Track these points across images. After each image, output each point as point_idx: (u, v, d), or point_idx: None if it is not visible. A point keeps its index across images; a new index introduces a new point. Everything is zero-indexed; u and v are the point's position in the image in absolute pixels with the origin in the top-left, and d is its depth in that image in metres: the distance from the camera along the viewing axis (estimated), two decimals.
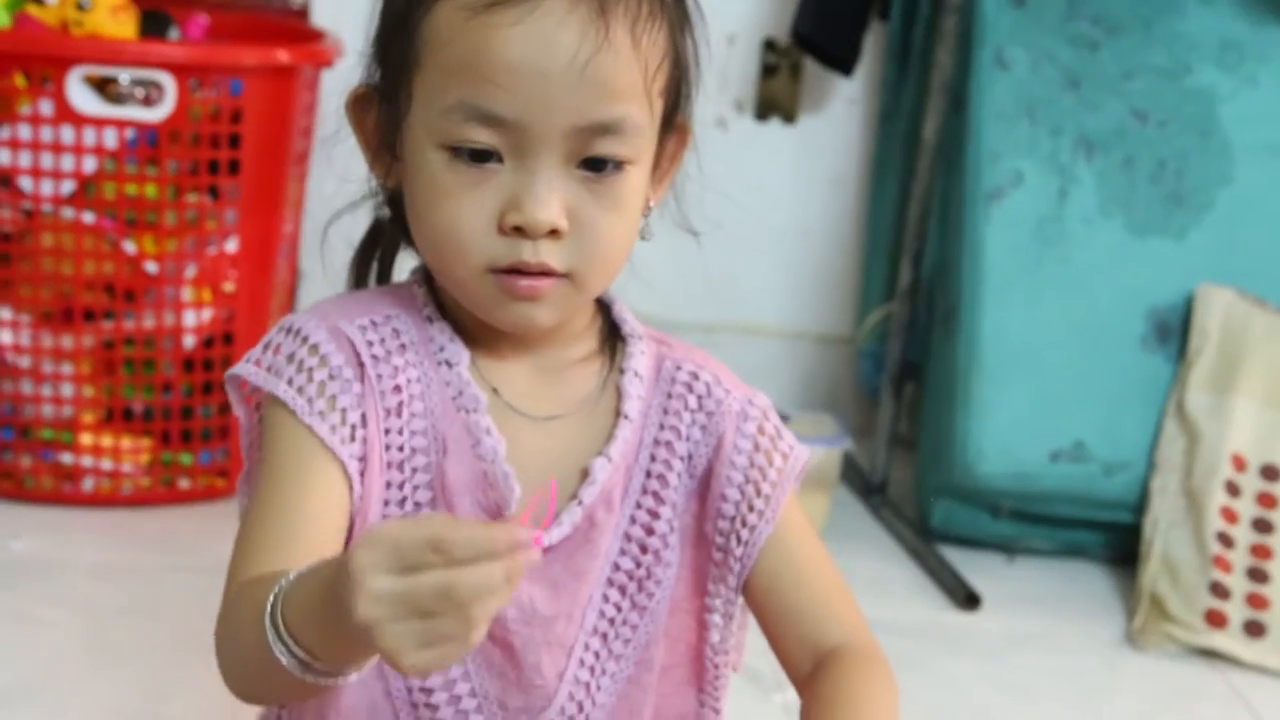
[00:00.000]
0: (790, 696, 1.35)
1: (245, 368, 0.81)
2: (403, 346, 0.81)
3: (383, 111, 0.82)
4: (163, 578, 1.60)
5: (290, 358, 0.80)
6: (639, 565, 0.85)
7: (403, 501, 0.81)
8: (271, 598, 0.68)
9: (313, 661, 0.68)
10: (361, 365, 0.80)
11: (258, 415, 0.83)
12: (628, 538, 0.85)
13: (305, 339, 0.80)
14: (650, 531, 0.85)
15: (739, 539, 0.85)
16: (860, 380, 2.23)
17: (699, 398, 0.86)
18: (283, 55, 1.73)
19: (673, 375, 0.87)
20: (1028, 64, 1.83)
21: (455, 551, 0.61)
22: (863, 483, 2.07)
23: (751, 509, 0.85)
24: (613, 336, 0.87)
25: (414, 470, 0.81)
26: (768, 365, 2.26)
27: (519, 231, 0.76)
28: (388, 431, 0.80)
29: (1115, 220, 1.81)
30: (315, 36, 1.85)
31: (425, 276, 0.85)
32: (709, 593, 0.87)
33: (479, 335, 0.83)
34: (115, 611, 1.52)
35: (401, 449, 0.81)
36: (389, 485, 0.81)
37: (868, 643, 0.86)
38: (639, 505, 0.85)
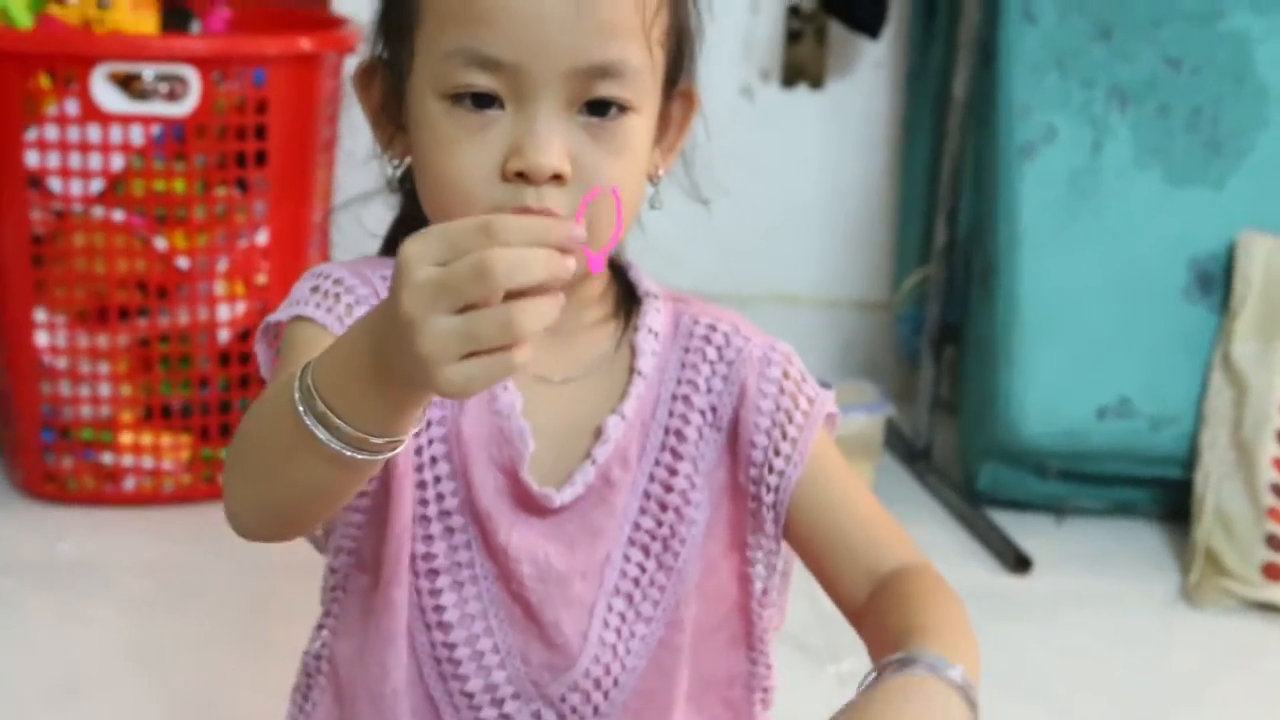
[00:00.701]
0: (845, 667, 1.44)
1: (272, 315, 0.81)
2: None
3: (387, 80, 0.82)
4: (206, 574, 1.60)
5: (314, 289, 0.80)
6: (660, 524, 0.84)
7: (419, 450, 0.81)
8: (299, 370, 0.67)
9: (346, 426, 0.66)
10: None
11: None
12: (647, 495, 0.84)
13: (327, 275, 0.81)
14: (669, 489, 0.84)
15: (769, 486, 0.84)
16: (899, 345, 2.23)
17: (718, 348, 0.86)
18: (305, 43, 1.73)
19: (690, 330, 0.87)
20: (1056, 14, 1.81)
21: (501, 234, 0.61)
22: (906, 449, 2.07)
23: (778, 453, 0.84)
24: (629, 300, 0.87)
25: (430, 423, 0.81)
26: (805, 334, 2.25)
27: (522, 177, 0.76)
28: None
29: (1152, 171, 1.80)
30: (336, 23, 1.86)
31: None
32: (748, 545, 0.87)
33: None
34: (161, 608, 1.53)
35: None
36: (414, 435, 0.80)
37: (925, 563, 0.85)
38: (657, 463, 0.84)
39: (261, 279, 1.79)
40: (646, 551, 0.84)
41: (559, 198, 0.76)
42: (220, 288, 1.76)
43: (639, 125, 0.79)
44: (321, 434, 0.66)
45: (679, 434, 0.84)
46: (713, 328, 0.87)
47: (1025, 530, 1.81)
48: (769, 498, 0.85)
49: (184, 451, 1.79)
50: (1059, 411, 1.77)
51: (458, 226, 0.62)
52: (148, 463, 1.78)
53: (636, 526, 0.84)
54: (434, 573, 0.82)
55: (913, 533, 1.93)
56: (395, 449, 0.68)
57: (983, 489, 1.89)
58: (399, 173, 0.84)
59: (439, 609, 0.82)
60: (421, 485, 0.82)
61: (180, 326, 1.74)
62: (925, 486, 1.99)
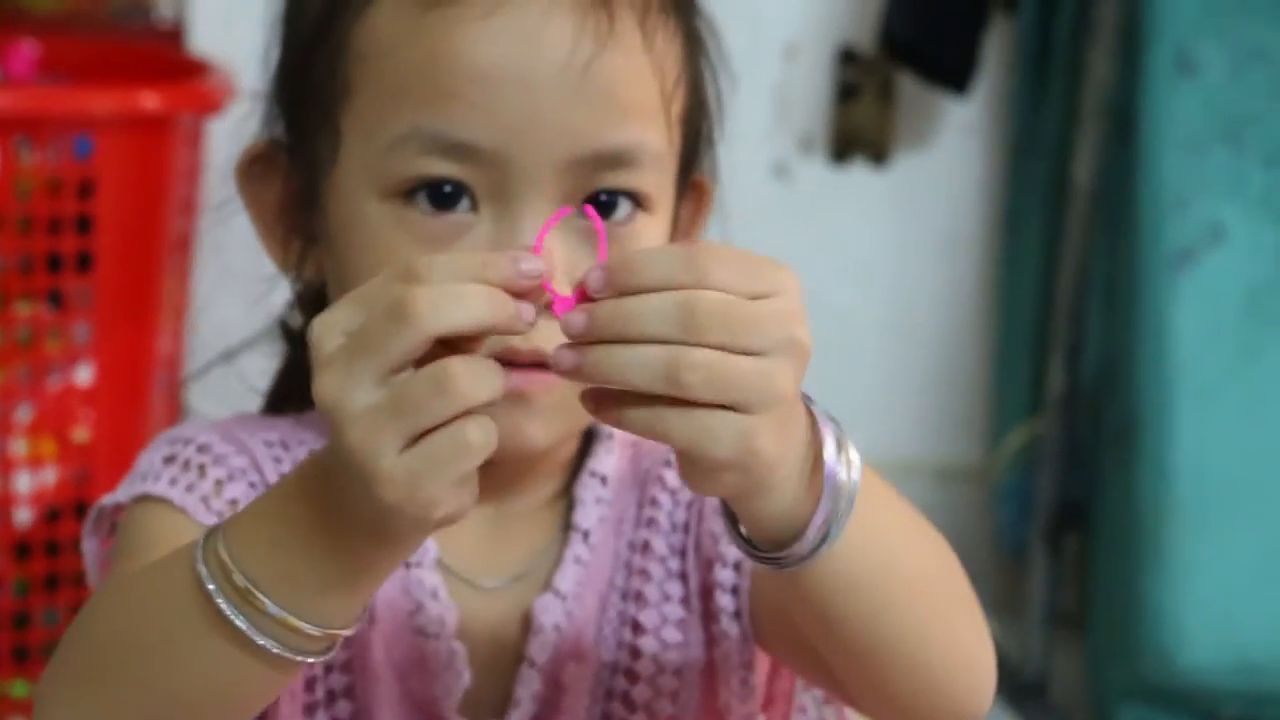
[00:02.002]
0: None
1: (110, 496, 0.83)
2: None
3: (290, 174, 0.85)
4: None
5: (169, 459, 0.82)
6: (634, 683, 0.86)
7: (310, 683, 0.83)
8: (202, 538, 0.69)
9: (276, 608, 0.68)
10: (267, 484, 0.82)
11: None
12: (610, 695, 0.86)
13: (190, 440, 0.83)
14: (634, 679, 0.86)
15: (722, 587, 0.85)
16: (999, 531, 2.23)
17: (676, 473, 0.88)
18: (149, 98, 1.73)
19: (647, 468, 0.89)
20: (1226, 66, 1.84)
21: (424, 273, 0.64)
22: (1011, 682, 2.04)
23: (726, 563, 0.85)
24: (581, 453, 0.89)
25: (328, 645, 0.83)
26: None
27: None
28: None
29: None
30: (194, 69, 1.85)
31: None
32: (726, 682, 0.87)
33: None
34: None
35: None
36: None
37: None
38: (620, 644, 0.87)
39: (81, 435, 1.76)
40: None
41: (552, 330, 0.76)
42: (20, 447, 1.73)
43: (652, 228, 0.82)
44: (241, 622, 0.68)
45: (639, 598, 0.87)
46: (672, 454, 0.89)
47: None
48: (726, 603, 0.84)
49: None
50: (1234, 630, 1.79)
51: (373, 281, 0.65)
52: None
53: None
54: None
55: None
56: (333, 644, 0.70)
57: None
58: (303, 293, 0.88)
59: None
60: None
61: None
62: None
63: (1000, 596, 2.16)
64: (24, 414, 1.73)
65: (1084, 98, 1.95)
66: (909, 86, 2.19)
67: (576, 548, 0.86)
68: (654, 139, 0.80)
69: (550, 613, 0.85)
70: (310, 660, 0.69)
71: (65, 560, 1.74)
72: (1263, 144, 1.83)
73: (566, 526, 0.87)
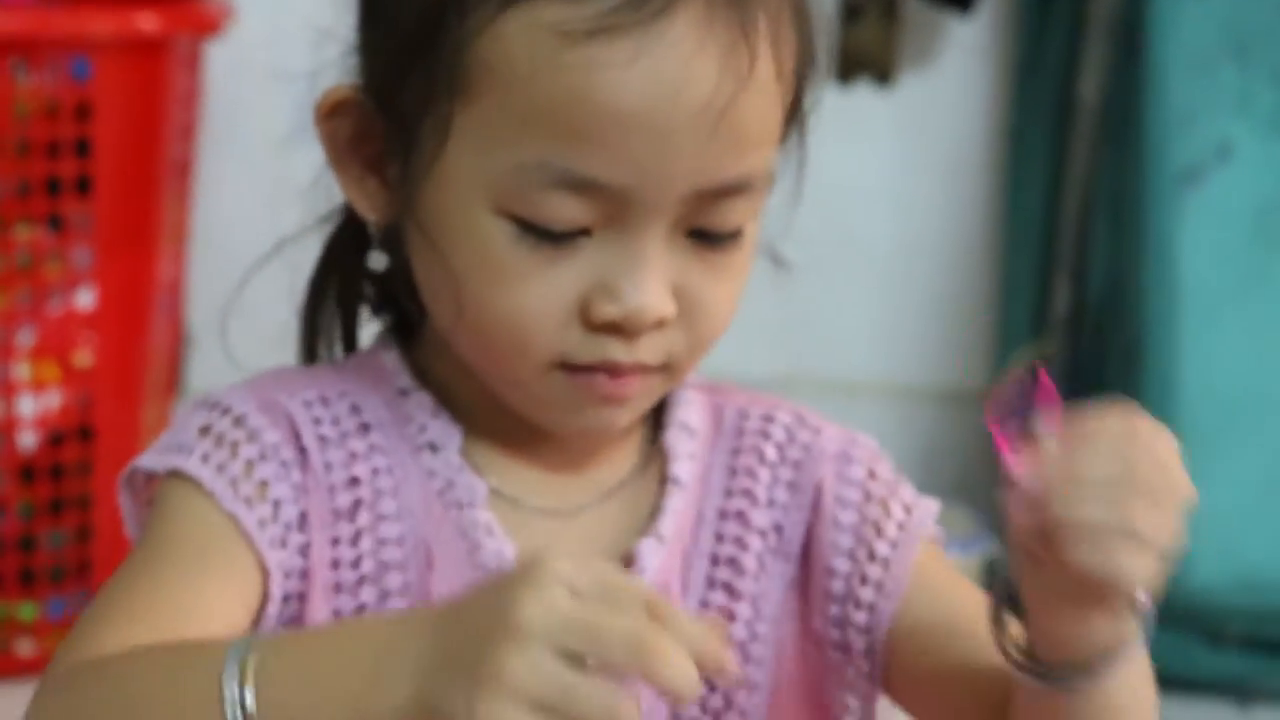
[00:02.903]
0: None
1: (141, 458, 0.83)
2: (364, 427, 0.84)
3: (377, 126, 0.83)
4: None
5: (204, 430, 0.82)
6: (712, 689, 0.86)
7: None
8: (231, 658, 0.69)
9: None
10: (304, 450, 0.82)
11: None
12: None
13: (227, 410, 0.83)
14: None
15: (856, 627, 0.87)
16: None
17: (779, 446, 0.89)
18: (146, 20, 1.72)
19: (738, 425, 0.90)
20: None
21: (664, 623, 0.65)
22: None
23: (865, 580, 0.86)
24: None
25: (384, 594, 0.83)
26: (870, 435, 2.24)
27: (611, 327, 0.78)
28: (336, 542, 0.83)
29: None
30: None
31: (399, 339, 0.88)
32: (833, 705, 0.89)
33: (474, 410, 0.85)
34: None
35: (358, 565, 0.83)
36: (337, 615, 0.83)
37: None
38: (705, 604, 0.87)
39: (83, 360, 1.77)
40: None
41: (655, 346, 0.79)
42: (22, 371, 1.75)
43: (753, 232, 0.82)
44: None
45: (734, 564, 0.87)
46: (769, 419, 0.89)
47: None
48: (859, 642, 0.86)
49: None
50: (1241, 551, 1.79)
51: (621, 583, 0.66)
52: None
53: None
54: None
55: None
56: None
57: None
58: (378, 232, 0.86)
59: None
60: None
61: None
62: None
63: (1004, 519, 2.19)
64: (26, 338, 1.74)
65: (1090, 15, 1.93)
66: (913, 6, 2.18)
67: (675, 498, 0.86)
68: (769, 158, 0.80)
69: (652, 555, 0.85)
70: None
71: (69, 484, 1.77)
72: (1271, 60, 1.82)
73: (662, 478, 0.87)
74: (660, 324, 0.79)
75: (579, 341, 0.79)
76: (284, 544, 0.80)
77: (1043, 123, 2.13)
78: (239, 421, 0.82)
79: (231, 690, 0.68)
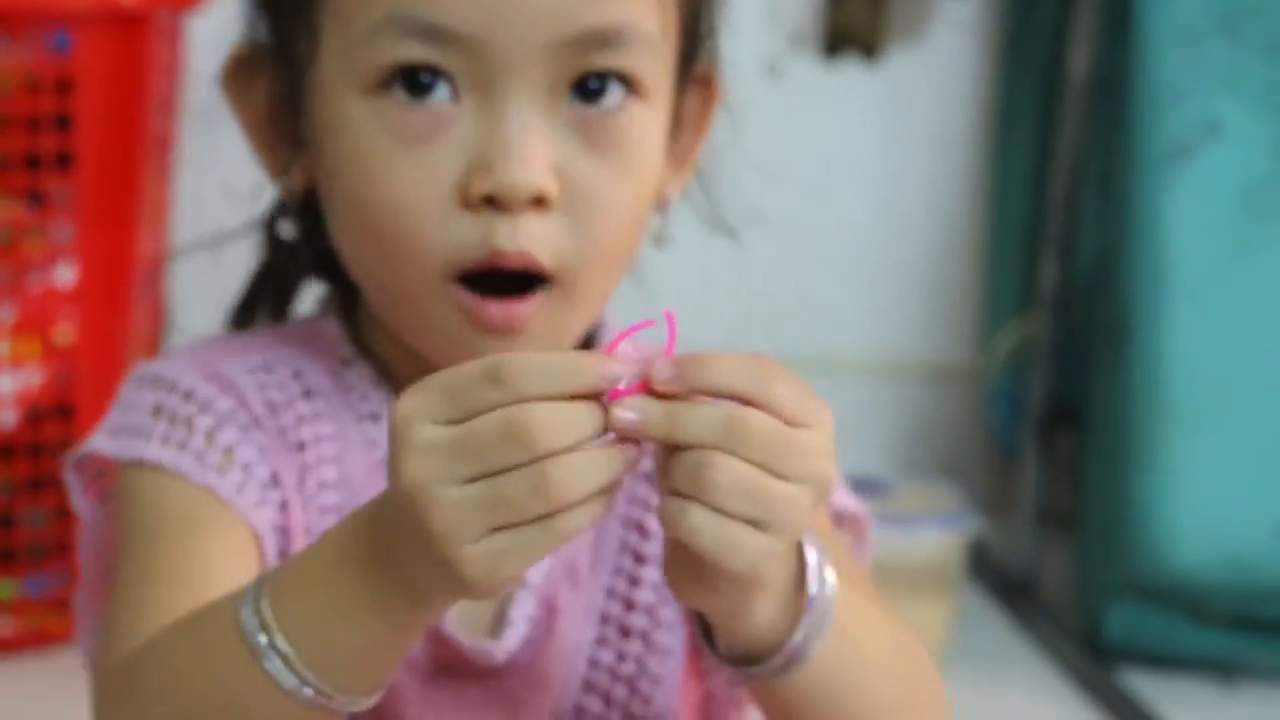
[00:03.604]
0: None
1: (94, 440, 0.83)
2: (307, 393, 0.85)
3: (276, 76, 0.84)
4: None
5: (157, 411, 0.82)
6: (623, 658, 0.86)
7: None
8: (250, 591, 0.71)
9: (316, 677, 0.70)
10: (256, 418, 0.83)
11: (109, 504, 0.86)
12: (604, 619, 0.87)
13: (173, 385, 0.83)
14: (631, 606, 0.87)
15: None
16: (991, 430, 2.22)
17: None
18: None
19: None
20: None
21: (522, 385, 0.65)
22: (1001, 580, 2.06)
23: None
24: None
25: None
26: (854, 413, 2.26)
27: (490, 203, 0.77)
28: (299, 470, 0.84)
29: None
30: None
31: (340, 306, 0.88)
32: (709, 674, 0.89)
33: (414, 378, 0.84)
34: None
35: (308, 532, 0.84)
36: None
37: None
38: (618, 571, 0.87)
39: (64, 336, 1.77)
40: (607, 699, 0.86)
41: (542, 233, 0.78)
42: (2, 348, 1.74)
43: (648, 120, 0.80)
44: (289, 681, 0.70)
45: (640, 528, 0.87)
46: None
47: (1177, 700, 1.80)
48: None
49: None
50: (1225, 528, 1.77)
51: (458, 376, 0.66)
52: None
53: (594, 664, 0.87)
54: None
55: (1010, 701, 1.93)
56: (377, 693, 0.73)
57: (1113, 639, 1.87)
58: (290, 201, 0.87)
59: None
60: None
61: None
62: (1028, 634, 1.97)
63: (991, 495, 2.19)
64: (5, 314, 1.74)
65: None
66: None
67: None
68: (645, 18, 0.78)
69: None
70: (357, 703, 0.72)
71: (49, 463, 1.76)
72: (1262, 35, 1.80)
73: None
74: (541, 202, 0.77)
75: (462, 230, 0.78)
76: (264, 503, 0.81)
77: (1031, 99, 2.13)
78: (188, 396, 0.82)
79: (259, 640, 0.70)
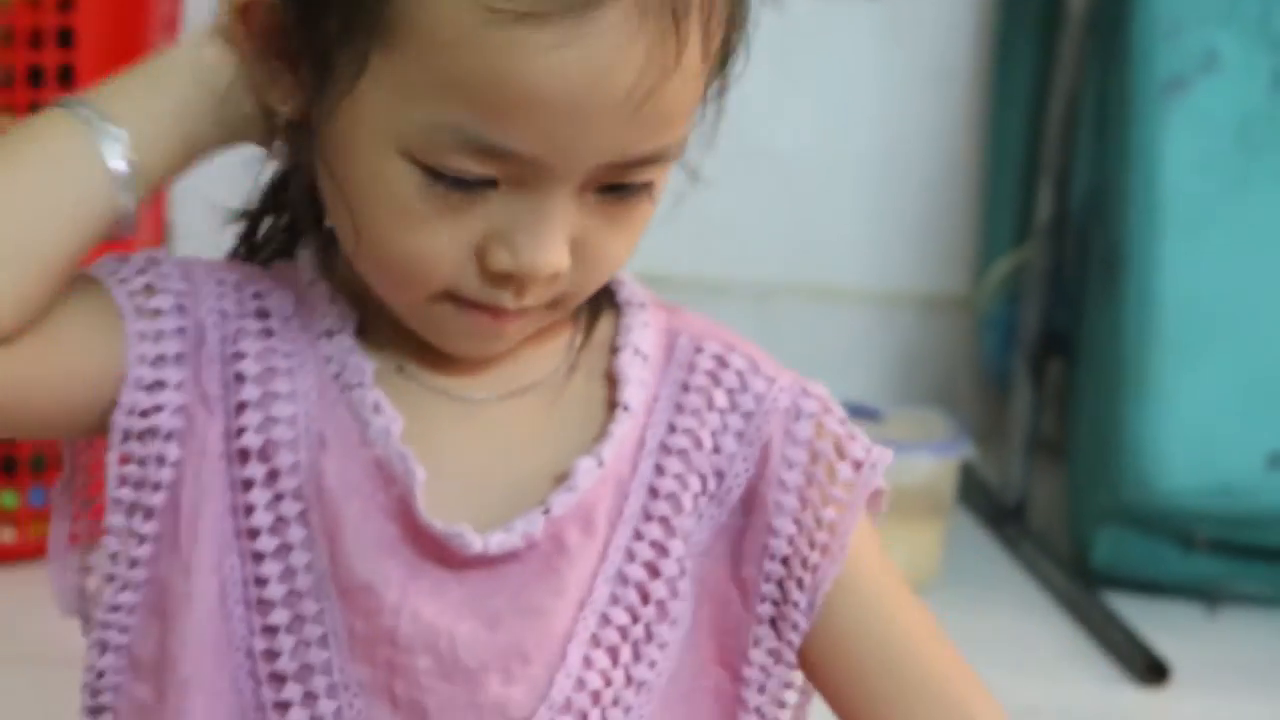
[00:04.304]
0: None
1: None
2: (263, 313, 0.86)
3: (296, 29, 0.82)
4: None
5: (122, 258, 0.85)
6: (636, 619, 0.86)
7: (248, 508, 0.84)
8: (82, 123, 0.81)
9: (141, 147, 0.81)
10: (200, 324, 0.85)
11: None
12: (623, 579, 0.86)
13: (152, 257, 0.86)
14: (655, 573, 0.86)
15: (800, 583, 0.87)
16: (983, 360, 2.24)
17: (730, 392, 0.88)
18: None
19: (690, 359, 0.89)
20: None
21: None
22: (991, 506, 2.07)
23: (813, 544, 0.86)
24: (594, 303, 0.89)
25: (273, 473, 0.84)
26: (849, 341, 2.28)
27: (505, 278, 0.79)
28: (226, 413, 0.84)
29: None
30: None
31: (321, 241, 0.89)
32: (746, 662, 0.89)
33: (367, 294, 0.86)
34: None
35: (241, 434, 0.84)
36: (235, 486, 0.84)
37: None
38: (639, 535, 0.86)
39: None
40: (614, 657, 0.85)
41: (544, 293, 0.81)
42: None
43: (661, 185, 0.83)
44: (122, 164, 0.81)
45: (673, 500, 0.87)
46: (722, 362, 0.89)
47: (1161, 625, 1.81)
48: (800, 599, 0.86)
49: None
50: (1214, 457, 1.78)
51: None
52: None
53: (605, 620, 0.86)
54: (278, 679, 0.84)
55: (998, 626, 1.96)
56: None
57: (1101, 564, 1.89)
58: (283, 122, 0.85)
59: None
60: (257, 558, 0.84)
61: None
62: (1017, 559, 1.98)
63: (983, 424, 2.20)
64: None
65: None
66: None
67: (623, 424, 0.86)
68: (686, 130, 0.80)
69: (587, 475, 0.85)
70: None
71: None
72: None
73: (610, 402, 0.87)
74: (554, 278, 0.80)
75: (470, 280, 0.80)
76: (155, 338, 0.83)
77: (1029, 31, 2.12)
78: (151, 261, 0.85)
79: (108, 147, 0.81)
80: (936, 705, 0.87)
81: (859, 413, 1.79)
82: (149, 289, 0.83)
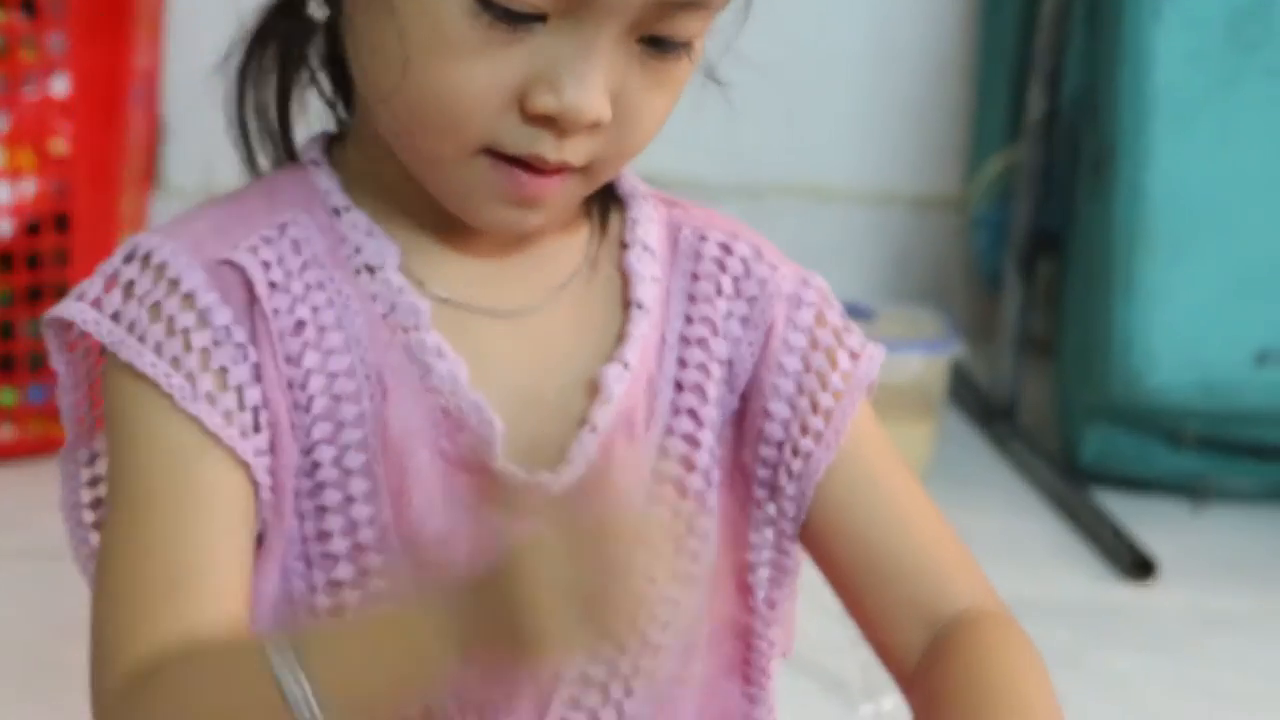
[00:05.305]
0: (886, 707, 1.43)
1: (81, 311, 0.81)
2: (305, 265, 0.83)
3: None
4: None
5: (155, 311, 0.80)
6: (676, 514, 0.84)
7: (313, 465, 0.82)
8: (279, 664, 0.73)
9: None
10: (255, 300, 0.81)
11: (87, 368, 0.84)
12: (659, 477, 0.86)
13: (175, 283, 0.80)
14: (690, 466, 0.87)
15: (790, 471, 0.87)
16: (974, 259, 2.23)
17: (735, 280, 0.88)
18: None
19: (696, 248, 0.89)
20: None
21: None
22: (981, 404, 2.09)
23: (806, 429, 0.87)
24: (603, 196, 0.88)
25: (339, 425, 0.82)
26: (841, 240, 2.28)
27: (545, 119, 0.77)
28: (290, 386, 0.82)
29: None
30: None
31: (325, 144, 0.86)
32: (750, 544, 0.90)
33: (410, 220, 0.84)
34: None
35: (308, 408, 0.82)
36: (304, 453, 0.82)
37: (1000, 607, 0.88)
38: (671, 431, 0.87)
39: (59, 147, 1.76)
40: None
41: (583, 148, 0.79)
42: None
43: (700, 47, 0.81)
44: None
45: (698, 390, 0.87)
46: (727, 249, 0.89)
47: (1148, 520, 1.82)
48: (790, 488, 0.87)
49: None
50: (1201, 355, 1.79)
51: (605, 549, 0.71)
52: None
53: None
54: None
55: (988, 522, 1.98)
56: None
57: (1089, 461, 1.90)
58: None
59: None
60: (320, 512, 0.82)
61: None
62: (1007, 457, 2.00)
63: (974, 322, 2.23)
64: (1, 123, 1.74)
65: None
66: None
67: (640, 324, 0.86)
68: None
69: (618, 382, 0.84)
70: None
71: (47, 272, 1.78)
72: None
73: (625, 301, 0.87)
74: (594, 126, 0.78)
75: (511, 129, 0.77)
76: (255, 429, 0.80)
77: None
78: (189, 300, 0.80)
79: (295, 692, 0.72)
80: (940, 570, 0.87)
81: (851, 311, 1.77)
82: (205, 355, 0.80)
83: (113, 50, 1.77)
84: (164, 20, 1.86)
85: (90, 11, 1.72)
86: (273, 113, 0.87)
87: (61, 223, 1.77)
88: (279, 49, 0.86)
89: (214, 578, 0.78)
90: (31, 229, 1.77)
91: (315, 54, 0.87)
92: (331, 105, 0.87)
